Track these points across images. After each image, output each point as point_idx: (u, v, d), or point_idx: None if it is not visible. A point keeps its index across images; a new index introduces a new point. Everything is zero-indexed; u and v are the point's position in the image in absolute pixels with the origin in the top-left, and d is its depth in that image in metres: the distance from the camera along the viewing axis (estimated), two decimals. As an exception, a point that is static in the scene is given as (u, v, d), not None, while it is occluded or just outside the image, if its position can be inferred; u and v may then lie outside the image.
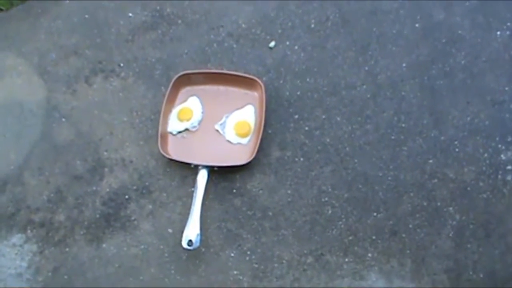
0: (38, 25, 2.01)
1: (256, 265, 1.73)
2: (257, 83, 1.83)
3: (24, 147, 1.87)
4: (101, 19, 1.99)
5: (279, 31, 1.92)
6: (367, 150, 1.80)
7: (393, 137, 1.80)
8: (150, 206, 1.79)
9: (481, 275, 1.69)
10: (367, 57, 1.88)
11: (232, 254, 1.74)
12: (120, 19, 1.99)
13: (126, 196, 1.81)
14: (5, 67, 1.97)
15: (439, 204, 1.74)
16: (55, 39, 1.99)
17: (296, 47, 1.91)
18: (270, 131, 1.83)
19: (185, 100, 1.88)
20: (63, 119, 1.89)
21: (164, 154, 1.78)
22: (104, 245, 1.77)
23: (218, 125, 1.85)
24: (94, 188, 1.82)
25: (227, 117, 1.86)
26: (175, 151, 1.82)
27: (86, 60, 1.95)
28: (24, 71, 1.96)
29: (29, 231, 1.79)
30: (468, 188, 1.75)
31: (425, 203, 1.74)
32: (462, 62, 1.86)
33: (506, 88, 1.82)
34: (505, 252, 1.70)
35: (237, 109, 1.86)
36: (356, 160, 1.79)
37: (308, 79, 1.87)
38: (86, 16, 2.00)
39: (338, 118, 1.83)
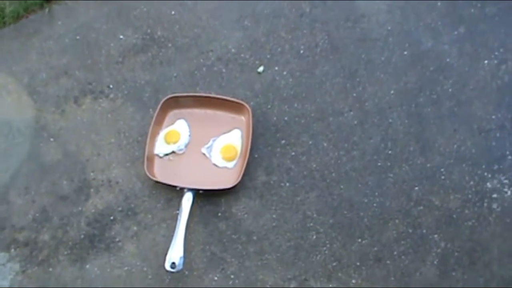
0: (29, 45, 2.10)
1: (239, 289, 1.80)
2: (244, 107, 1.92)
3: (11, 165, 1.95)
4: (92, 41, 2.09)
5: (268, 56, 2.02)
6: (353, 176, 1.88)
7: (379, 164, 1.88)
8: (135, 228, 1.87)
9: (465, 304, 1.76)
10: (355, 83, 1.97)
11: (216, 278, 1.81)
12: (111, 41, 2.08)
13: (111, 217, 1.88)
14: (-5, 85, 2.06)
15: (424, 231, 1.81)
16: (46, 59, 2.08)
17: (284, 73, 2.00)
18: (256, 156, 1.91)
19: (172, 123, 1.97)
20: (51, 139, 1.98)
21: (150, 176, 1.86)
22: (87, 266, 1.84)
23: (205, 148, 1.93)
24: (80, 208, 1.90)
25: (214, 140, 1.94)
26: (161, 173, 1.90)
27: (76, 81, 2.04)
28: (14, 90, 2.05)
29: (12, 250, 1.86)
30: (454, 216, 1.83)
31: (410, 230, 1.82)
32: (450, 90, 1.95)
33: (493, 117, 1.91)
34: (490, 280, 1.77)
35: (224, 133, 1.94)
36: (342, 186, 1.87)
37: (295, 105, 1.96)
38: (78, 37, 2.10)
39: (325, 144, 1.92)
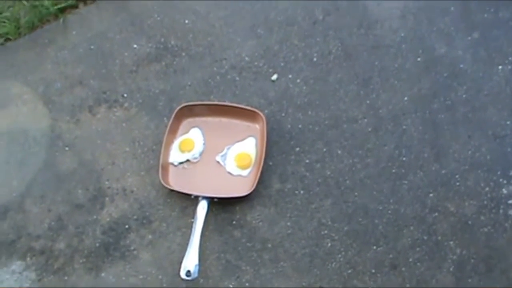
0: (44, 55, 2.13)
1: (255, 297, 1.80)
2: (258, 115, 1.93)
3: (27, 174, 1.98)
4: (107, 50, 2.11)
5: (282, 64, 2.03)
6: (367, 183, 1.88)
7: (394, 171, 1.89)
8: (150, 236, 1.88)
9: (482, 311, 1.75)
10: (368, 90, 1.98)
11: (231, 286, 1.81)
12: (125, 51, 2.10)
13: (126, 226, 1.90)
14: (11, 95, 2.09)
15: (439, 238, 1.81)
16: (61, 69, 2.11)
17: (298, 80, 2.01)
18: (271, 163, 1.92)
19: (187, 131, 1.98)
20: (66, 148, 2.00)
21: (165, 185, 1.87)
22: (103, 274, 1.85)
23: (219, 156, 1.94)
24: (95, 217, 1.91)
25: (228, 148, 1.95)
26: (176, 181, 1.91)
27: (90, 90, 2.06)
28: (29, 99, 2.07)
29: (28, 259, 1.88)
30: (469, 222, 1.82)
31: (425, 237, 1.82)
32: (464, 96, 1.95)
33: (508, 122, 1.90)
34: (507, 287, 1.76)
35: (239, 141, 1.96)
36: (356, 193, 1.88)
37: (309, 112, 1.97)
38: (92, 47, 2.12)
39: (339, 151, 1.92)
